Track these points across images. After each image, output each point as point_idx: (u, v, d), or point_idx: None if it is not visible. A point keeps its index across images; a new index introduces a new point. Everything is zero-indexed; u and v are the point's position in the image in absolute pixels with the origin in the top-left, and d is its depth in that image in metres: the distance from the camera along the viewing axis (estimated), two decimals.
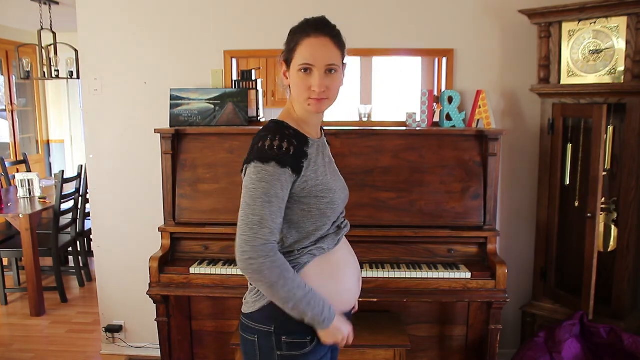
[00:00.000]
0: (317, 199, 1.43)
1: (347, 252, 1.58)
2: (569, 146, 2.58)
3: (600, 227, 2.54)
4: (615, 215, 2.50)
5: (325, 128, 1.66)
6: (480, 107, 2.69)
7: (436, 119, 2.80)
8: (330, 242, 1.49)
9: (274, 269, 1.34)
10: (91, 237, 3.44)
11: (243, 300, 1.53)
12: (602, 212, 2.54)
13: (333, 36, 1.43)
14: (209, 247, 2.55)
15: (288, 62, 1.45)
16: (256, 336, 1.47)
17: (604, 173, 2.42)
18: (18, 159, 5.78)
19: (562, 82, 2.56)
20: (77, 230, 4.39)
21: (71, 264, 4.63)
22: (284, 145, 1.38)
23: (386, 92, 4.41)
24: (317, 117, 1.51)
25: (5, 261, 4.43)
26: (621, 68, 2.37)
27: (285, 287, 1.35)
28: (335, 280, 1.49)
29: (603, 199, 2.56)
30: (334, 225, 1.52)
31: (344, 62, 1.49)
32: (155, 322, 2.54)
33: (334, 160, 1.62)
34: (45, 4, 4.75)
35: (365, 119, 2.89)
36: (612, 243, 2.51)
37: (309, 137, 1.47)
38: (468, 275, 2.38)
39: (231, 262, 2.47)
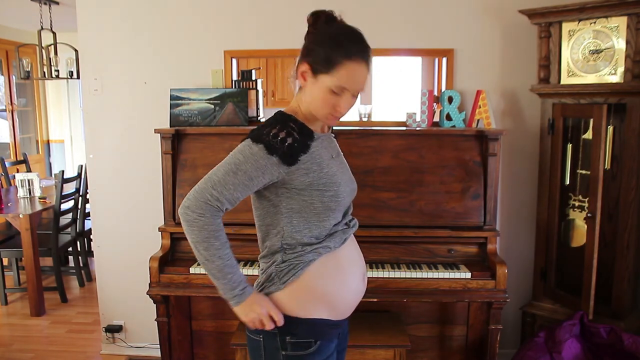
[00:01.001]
0: (320, 192, 1.43)
1: (354, 250, 1.58)
2: (569, 146, 2.59)
3: (577, 224, 2.60)
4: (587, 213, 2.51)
5: None
6: (480, 107, 2.69)
7: (436, 119, 2.80)
8: (337, 240, 1.49)
9: (203, 230, 1.38)
10: (91, 237, 3.44)
11: None
12: (578, 210, 2.60)
13: (369, 61, 1.43)
14: None
15: (316, 70, 1.40)
16: (261, 336, 1.47)
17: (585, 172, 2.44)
18: (18, 159, 5.78)
19: (562, 82, 2.56)
20: (77, 230, 4.40)
21: (71, 264, 4.63)
22: (280, 135, 1.39)
23: (386, 92, 4.40)
24: None
25: (5, 261, 4.43)
26: (621, 68, 2.37)
27: (207, 251, 1.39)
28: (340, 279, 1.49)
29: (579, 196, 2.59)
30: (341, 223, 1.52)
31: None
32: (155, 322, 2.54)
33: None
34: (45, 4, 4.75)
35: (365, 119, 2.89)
36: (581, 239, 2.56)
37: (314, 132, 1.47)
38: (468, 275, 2.38)
39: None
